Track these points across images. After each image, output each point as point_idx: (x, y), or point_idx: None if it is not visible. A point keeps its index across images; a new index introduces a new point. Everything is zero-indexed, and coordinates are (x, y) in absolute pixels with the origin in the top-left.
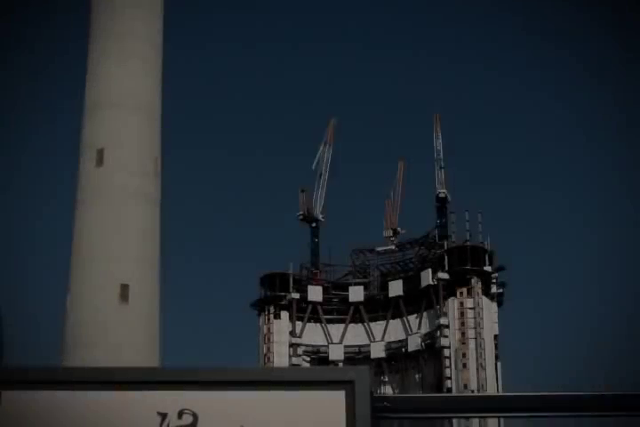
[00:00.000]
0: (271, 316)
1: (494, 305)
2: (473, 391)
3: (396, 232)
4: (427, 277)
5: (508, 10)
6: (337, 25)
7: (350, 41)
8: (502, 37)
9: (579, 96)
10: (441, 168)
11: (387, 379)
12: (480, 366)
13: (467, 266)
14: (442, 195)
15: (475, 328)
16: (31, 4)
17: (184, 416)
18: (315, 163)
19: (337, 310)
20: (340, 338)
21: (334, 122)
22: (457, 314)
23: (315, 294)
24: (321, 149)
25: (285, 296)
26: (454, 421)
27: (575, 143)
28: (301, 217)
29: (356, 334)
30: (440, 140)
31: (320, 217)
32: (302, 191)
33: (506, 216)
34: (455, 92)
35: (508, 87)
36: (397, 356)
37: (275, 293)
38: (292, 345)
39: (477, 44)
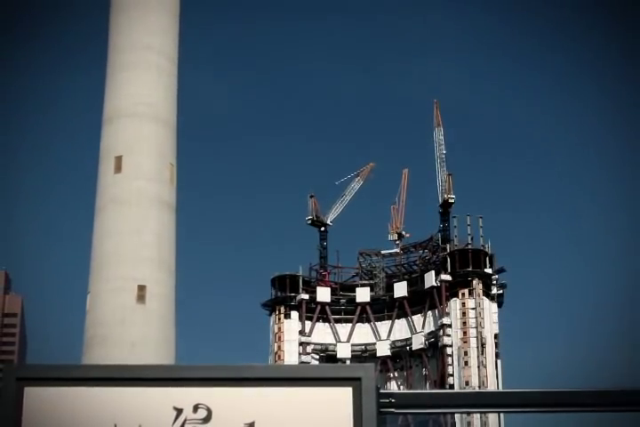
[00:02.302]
0: (282, 316)
1: (495, 306)
2: (474, 388)
3: (400, 236)
4: (430, 279)
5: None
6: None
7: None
8: (502, 41)
9: (576, 98)
10: (448, 175)
11: (392, 376)
12: (481, 364)
13: (468, 268)
14: (451, 200)
15: (476, 328)
16: (52, 17)
17: (199, 411)
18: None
19: (344, 310)
20: (348, 337)
21: None
22: (459, 314)
23: (323, 294)
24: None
25: (295, 297)
26: (457, 416)
27: (575, 146)
28: (310, 222)
29: (362, 333)
30: (443, 146)
31: (329, 221)
32: (311, 197)
33: (506, 220)
34: (455, 98)
35: (508, 91)
36: (402, 354)
37: (285, 293)
38: (301, 344)
39: (476, 45)
